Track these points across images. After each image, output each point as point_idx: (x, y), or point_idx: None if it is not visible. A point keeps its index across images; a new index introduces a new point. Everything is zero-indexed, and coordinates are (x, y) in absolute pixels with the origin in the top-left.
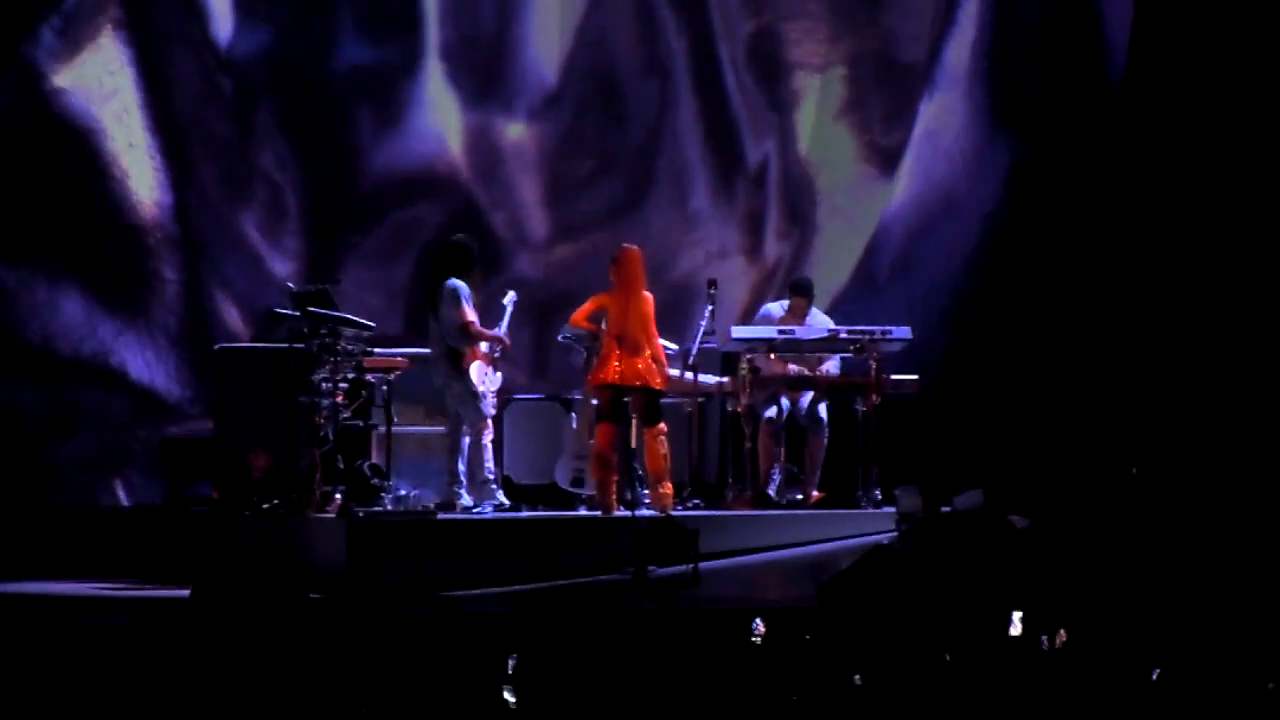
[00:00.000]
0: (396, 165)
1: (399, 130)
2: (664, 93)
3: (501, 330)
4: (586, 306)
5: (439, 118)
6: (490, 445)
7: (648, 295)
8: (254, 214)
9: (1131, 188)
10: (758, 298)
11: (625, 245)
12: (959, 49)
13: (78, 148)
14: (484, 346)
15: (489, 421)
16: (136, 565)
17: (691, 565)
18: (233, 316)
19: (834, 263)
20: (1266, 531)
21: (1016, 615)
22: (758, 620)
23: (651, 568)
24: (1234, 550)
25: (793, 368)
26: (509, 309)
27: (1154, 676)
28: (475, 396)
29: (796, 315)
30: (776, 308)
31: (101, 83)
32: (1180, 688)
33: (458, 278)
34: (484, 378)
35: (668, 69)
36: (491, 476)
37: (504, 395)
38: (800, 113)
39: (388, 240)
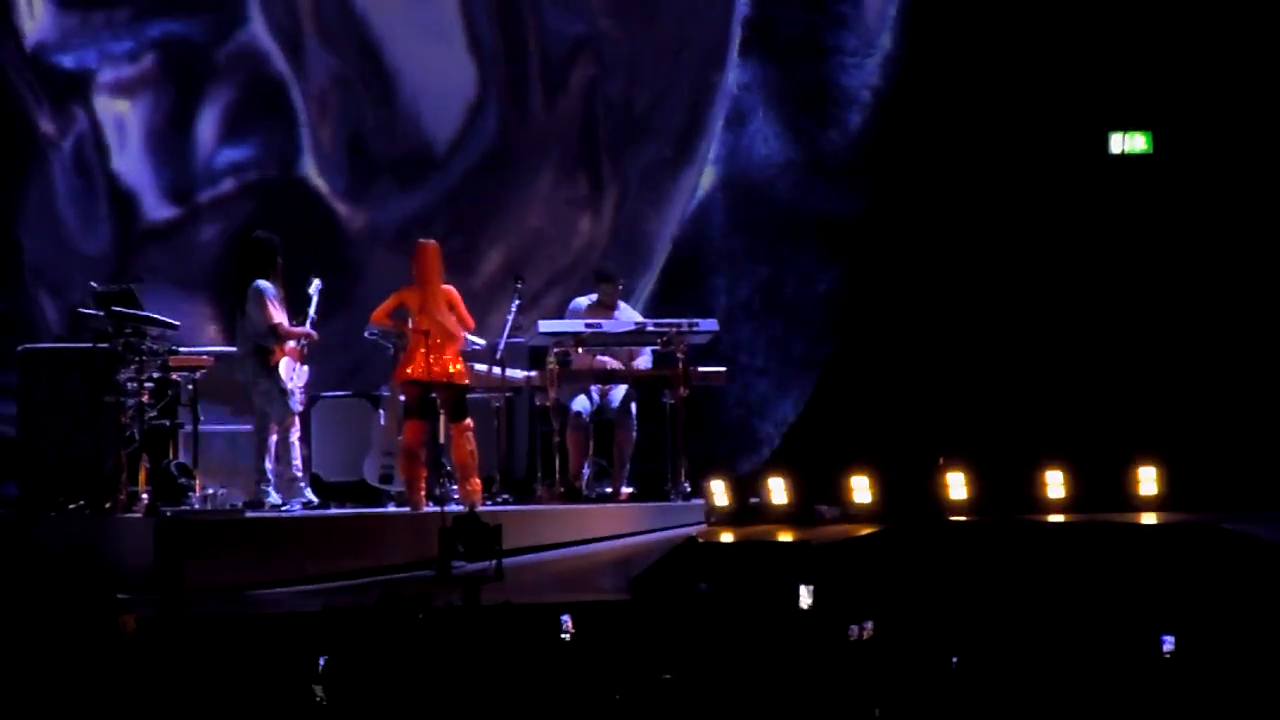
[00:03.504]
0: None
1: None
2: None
3: (308, 323)
4: (388, 303)
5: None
6: (298, 442)
7: (449, 287)
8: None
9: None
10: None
11: (421, 240)
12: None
13: None
14: (292, 343)
15: (296, 418)
16: None
17: (495, 561)
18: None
19: (643, 254)
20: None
21: (805, 589)
22: (566, 616)
23: (456, 564)
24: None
25: (609, 361)
26: (315, 298)
27: (953, 663)
28: (283, 393)
29: (605, 304)
30: (584, 301)
31: None
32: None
33: (262, 276)
34: (291, 373)
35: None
36: (299, 474)
37: (311, 392)
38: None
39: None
